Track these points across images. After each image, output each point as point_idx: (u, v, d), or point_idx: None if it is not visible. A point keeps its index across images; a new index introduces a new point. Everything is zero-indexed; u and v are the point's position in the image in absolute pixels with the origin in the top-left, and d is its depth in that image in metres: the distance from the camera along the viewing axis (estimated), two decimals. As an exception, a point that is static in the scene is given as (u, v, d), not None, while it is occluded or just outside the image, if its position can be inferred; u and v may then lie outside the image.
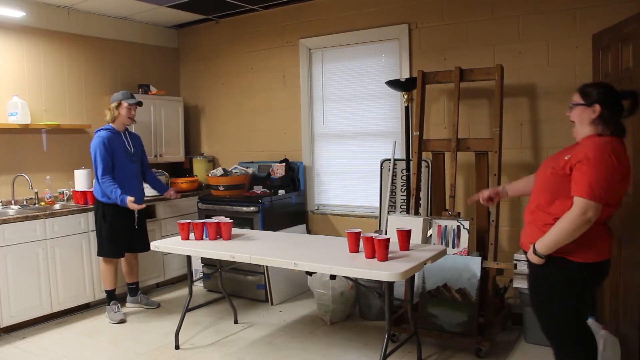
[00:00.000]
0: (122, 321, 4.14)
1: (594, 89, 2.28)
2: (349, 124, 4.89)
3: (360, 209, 4.87)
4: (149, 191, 4.63)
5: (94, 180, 4.70)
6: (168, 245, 3.55)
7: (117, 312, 4.18)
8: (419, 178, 3.90)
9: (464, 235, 3.56)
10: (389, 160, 4.41)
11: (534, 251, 2.25)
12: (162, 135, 5.41)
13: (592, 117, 2.24)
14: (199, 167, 5.64)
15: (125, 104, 4.12)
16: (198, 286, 4.95)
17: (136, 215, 4.21)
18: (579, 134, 2.32)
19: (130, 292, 4.45)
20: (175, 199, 4.67)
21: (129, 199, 3.97)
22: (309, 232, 5.08)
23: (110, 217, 4.11)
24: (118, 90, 5.15)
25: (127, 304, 4.48)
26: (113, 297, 4.26)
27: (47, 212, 4.13)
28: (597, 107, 2.22)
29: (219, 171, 5.04)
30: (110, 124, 4.16)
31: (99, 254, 4.21)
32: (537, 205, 2.35)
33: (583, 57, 3.68)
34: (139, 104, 4.24)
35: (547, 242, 2.21)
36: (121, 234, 4.16)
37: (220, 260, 3.85)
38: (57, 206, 4.52)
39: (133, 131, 4.53)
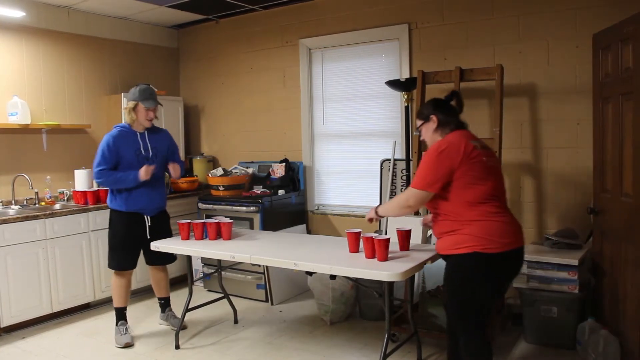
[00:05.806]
0: (128, 345, 3.67)
1: (424, 107, 2.70)
2: (349, 124, 4.89)
3: (360, 209, 4.86)
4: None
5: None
6: (168, 245, 3.54)
7: (124, 335, 3.71)
8: (419, 178, 3.89)
9: (464, 235, 3.55)
10: (389, 160, 4.41)
11: (377, 213, 2.85)
12: (162, 135, 5.38)
13: (434, 127, 2.62)
14: (199, 167, 5.63)
15: (142, 105, 3.62)
16: (198, 286, 4.95)
17: (148, 224, 3.73)
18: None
19: (160, 308, 4.08)
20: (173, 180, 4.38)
21: (141, 171, 3.55)
22: (309, 232, 5.07)
23: (115, 225, 3.72)
24: (118, 90, 5.17)
25: (159, 320, 4.12)
26: (122, 317, 3.78)
27: (47, 212, 4.13)
28: (434, 117, 2.62)
29: (219, 171, 5.04)
30: (128, 124, 3.71)
31: (108, 266, 3.80)
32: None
33: (583, 57, 3.68)
34: (157, 105, 3.71)
35: (385, 209, 2.80)
36: (129, 244, 3.71)
37: (220, 260, 3.85)
38: (57, 206, 4.52)
39: (162, 127, 4.05)
